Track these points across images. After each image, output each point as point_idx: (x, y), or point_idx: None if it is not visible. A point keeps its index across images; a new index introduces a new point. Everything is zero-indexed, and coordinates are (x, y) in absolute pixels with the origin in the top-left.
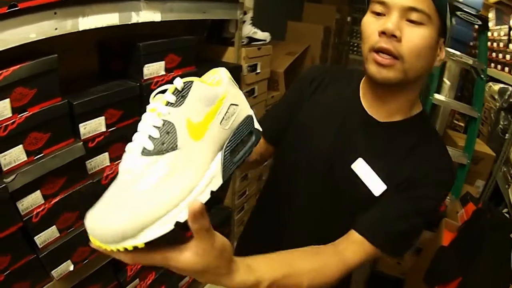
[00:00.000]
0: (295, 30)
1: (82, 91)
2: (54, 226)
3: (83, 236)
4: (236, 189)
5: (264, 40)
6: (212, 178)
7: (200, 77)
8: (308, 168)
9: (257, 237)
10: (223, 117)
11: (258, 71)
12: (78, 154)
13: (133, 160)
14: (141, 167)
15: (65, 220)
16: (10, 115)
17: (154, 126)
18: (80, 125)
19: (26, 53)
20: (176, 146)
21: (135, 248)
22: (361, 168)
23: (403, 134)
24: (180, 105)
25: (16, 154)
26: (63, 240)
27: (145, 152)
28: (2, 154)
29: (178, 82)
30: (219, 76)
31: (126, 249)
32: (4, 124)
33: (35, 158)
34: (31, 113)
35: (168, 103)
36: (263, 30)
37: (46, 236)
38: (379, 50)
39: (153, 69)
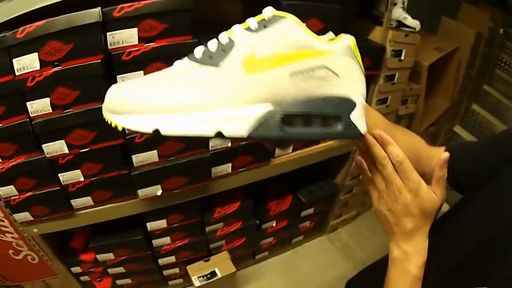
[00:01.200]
0: (448, 28)
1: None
2: (155, 151)
3: (180, 167)
4: (351, 170)
5: (414, 28)
6: (237, 119)
7: None
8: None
9: None
10: (302, 72)
11: (402, 58)
12: None
13: (180, 61)
14: (181, 67)
15: (167, 148)
16: (136, 43)
17: (218, 41)
18: None
19: None
20: (218, 64)
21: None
22: None
23: None
24: (257, 32)
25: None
26: (160, 165)
27: (191, 57)
28: (122, 75)
29: (268, 11)
30: (339, 39)
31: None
32: (129, 50)
33: None
34: (158, 44)
35: (248, 28)
36: (413, 18)
37: (145, 158)
38: None
39: None
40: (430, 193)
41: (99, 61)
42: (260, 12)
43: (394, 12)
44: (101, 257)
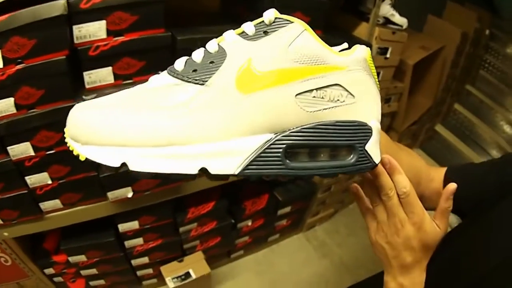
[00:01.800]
0: (433, 26)
1: (191, 28)
2: None
3: None
4: None
5: (401, 26)
6: (226, 154)
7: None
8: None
9: None
10: (311, 91)
11: (388, 56)
12: None
13: (157, 76)
14: (159, 84)
15: None
16: (105, 36)
17: (205, 50)
18: None
19: None
20: (204, 81)
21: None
22: None
23: None
24: (254, 40)
25: (103, 75)
26: None
27: (172, 71)
28: (89, 72)
29: (269, 14)
30: (353, 51)
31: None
32: (96, 44)
33: (124, 82)
34: (127, 38)
35: (243, 33)
36: (401, 15)
37: None
38: None
39: None
40: (434, 226)
41: (64, 57)
42: (239, 8)
43: (382, 8)
44: (73, 259)
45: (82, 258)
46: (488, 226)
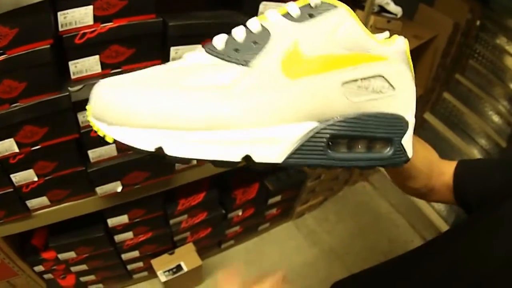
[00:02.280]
0: (425, 15)
1: (184, 14)
2: (114, 145)
3: (141, 161)
4: None
5: (395, 15)
6: (271, 141)
7: None
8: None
9: None
10: (356, 81)
11: None
12: None
13: (194, 53)
14: (197, 61)
15: None
16: (92, 23)
17: (246, 28)
18: (172, 48)
19: None
20: (248, 62)
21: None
22: None
23: None
24: (300, 22)
25: (90, 64)
26: (118, 160)
27: (209, 49)
28: (74, 61)
29: None
30: (394, 41)
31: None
32: (82, 32)
33: (112, 71)
34: (116, 24)
35: (287, 15)
36: (396, 4)
37: (102, 152)
38: None
39: (271, 7)
40: None
41: (48, 46)
42: None
43: None
44: (62, 256)
45: (71, 254)
46: (493, 225)
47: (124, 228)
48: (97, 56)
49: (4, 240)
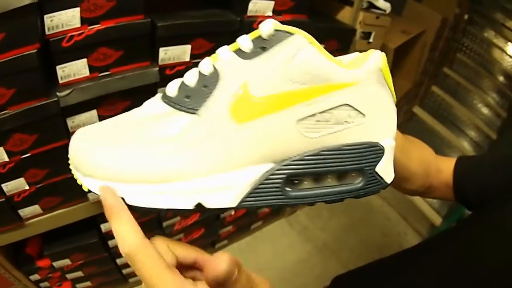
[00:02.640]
0: (413, 10)
1: (173, 14)
2: None
3: None
4: None
5: (384, 11)
6: (223, 188)
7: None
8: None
9: None
10: (314, 115)
11: (371, 40)
12: (151, 80)
13: (151, 101)
14: (152, 112)
15: None
16: (79, 25)
17: (199, 72)
18: (161, 49)
19: None
20: (196, 110)
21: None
22: None
23: None
24: (251, 59)
25: (78, 68)
26: None
27: (165, 97)
28: (62, 65)
29: (267, 27)
30: (365, 60)
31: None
32: (70, 35)
33: (99, 75)
34: (104, 26)
35: (239, 51)
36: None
37: None
38: None
39: (261, 6)
40: None
41: (35, 51)
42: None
43: None
44: (57, 264)
45: (66, 262)
46: (494, 225)
47: None
48: (84, 60)
49: None
